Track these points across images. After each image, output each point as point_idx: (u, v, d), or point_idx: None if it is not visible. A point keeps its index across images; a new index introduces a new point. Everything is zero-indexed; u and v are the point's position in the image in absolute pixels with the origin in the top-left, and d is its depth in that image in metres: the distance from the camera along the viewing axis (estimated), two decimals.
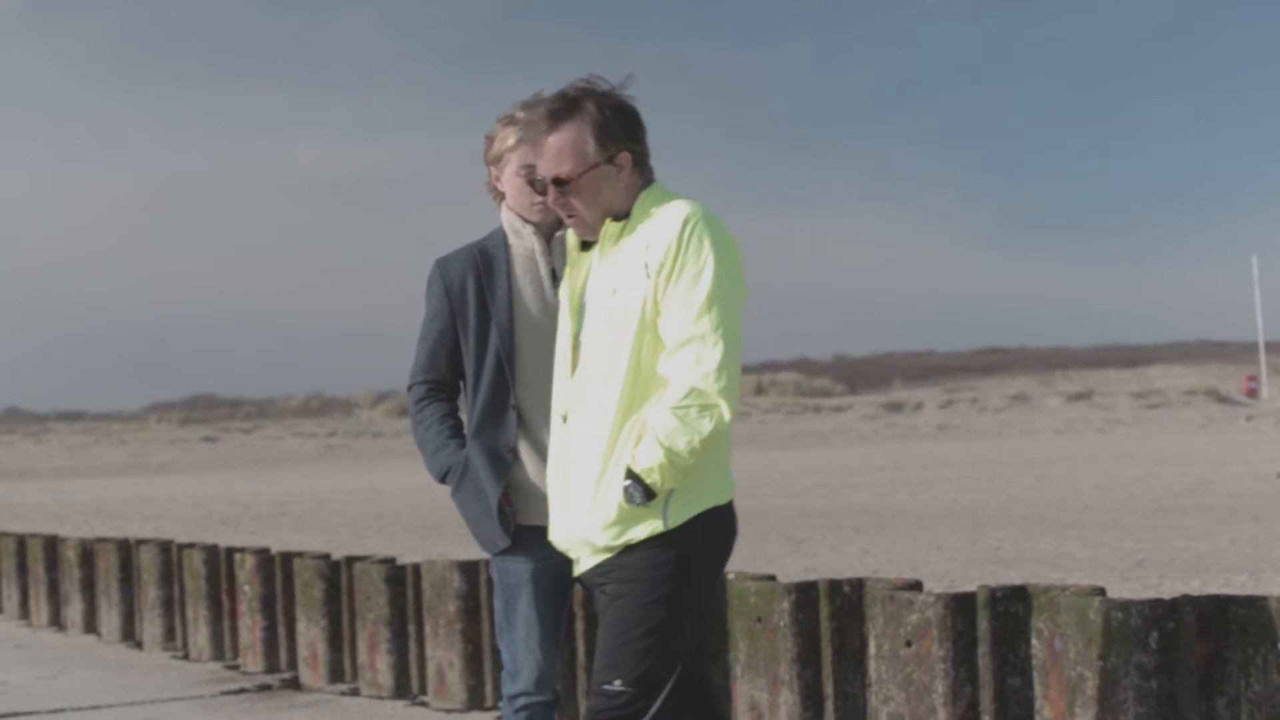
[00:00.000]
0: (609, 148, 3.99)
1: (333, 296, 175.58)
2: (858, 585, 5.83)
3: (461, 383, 4.67)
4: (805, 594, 5.88)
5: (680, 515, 3.85)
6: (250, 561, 9.09)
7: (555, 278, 4.48)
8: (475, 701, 7.52)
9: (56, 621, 11.43)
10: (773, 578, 6.20)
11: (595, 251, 4.09)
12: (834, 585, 5.85)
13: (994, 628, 5.31)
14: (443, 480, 4.61)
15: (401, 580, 8.01)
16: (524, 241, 4.54)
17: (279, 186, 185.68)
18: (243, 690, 8.50)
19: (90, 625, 11.00)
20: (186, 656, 9.73)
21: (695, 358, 3.80)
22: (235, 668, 9.20)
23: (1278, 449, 36.50)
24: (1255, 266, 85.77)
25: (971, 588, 5.58)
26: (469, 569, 7.56)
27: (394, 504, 27.05)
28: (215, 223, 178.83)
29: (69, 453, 75.59)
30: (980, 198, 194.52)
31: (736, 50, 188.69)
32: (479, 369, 4.53)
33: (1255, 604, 4.86)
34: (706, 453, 3.82)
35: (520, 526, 4.43)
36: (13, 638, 11.15)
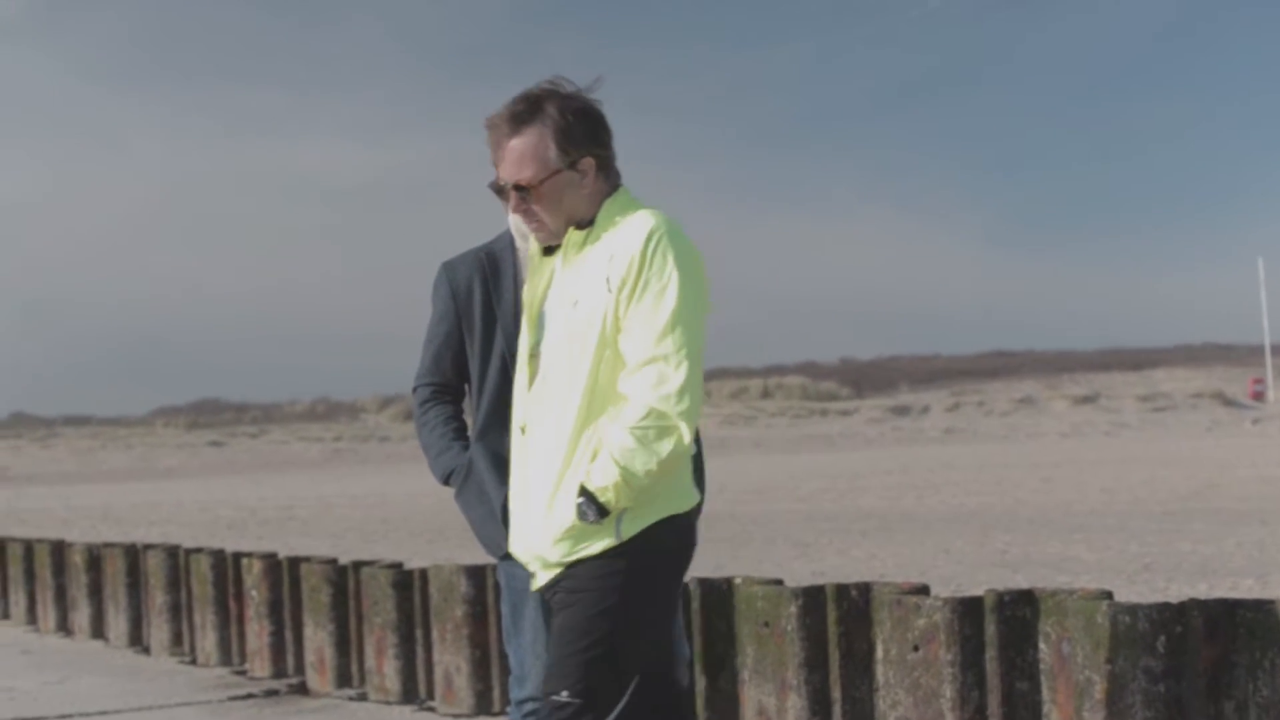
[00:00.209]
0: (571, 153, 3.86)
1: (338, 300, 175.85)
2: (865, 590, 5.82)
3: (466, 386, 4.67)
4: (812, 598, 5.88)
5: (634, 526, 3.76)
6: (257, 566, 9.09)
7: None
8: (483, 706, 7.51)
9: (64, 627, 11.44)
10: (780, 582, 6.20)
11: (558, 258, 3.97)
12: (841, 590, 5.85)
13: (1001, 632, 5.30)
14: (446, 483, 4.61)
15: (409, 585, 8.01)
16: (530, 245, 4.54)
17: (283, 188, 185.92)
18: (250, 695, 8.51)
19: (98, 630, 11.00)
20: (194, 662, 9.73)
21: (658, 378, 3.70)
22: (243, 673, 9.20)
23: None
24: (1261, 268, 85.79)
25: (979, 592, 5.58)
26: (476, 574, 7.56)
27: (401, 508, 27.06)
28: (219, 225, 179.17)
29: (75, 457, 75.71)
30: (984, 199, 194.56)
31: (738, 51, 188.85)
32: (484, 372, 4.53)
33: (1263, 607, 4.86)
34: (663, 475, 3.73)
35: None
36: (20, 643, 11.16)
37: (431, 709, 7.78)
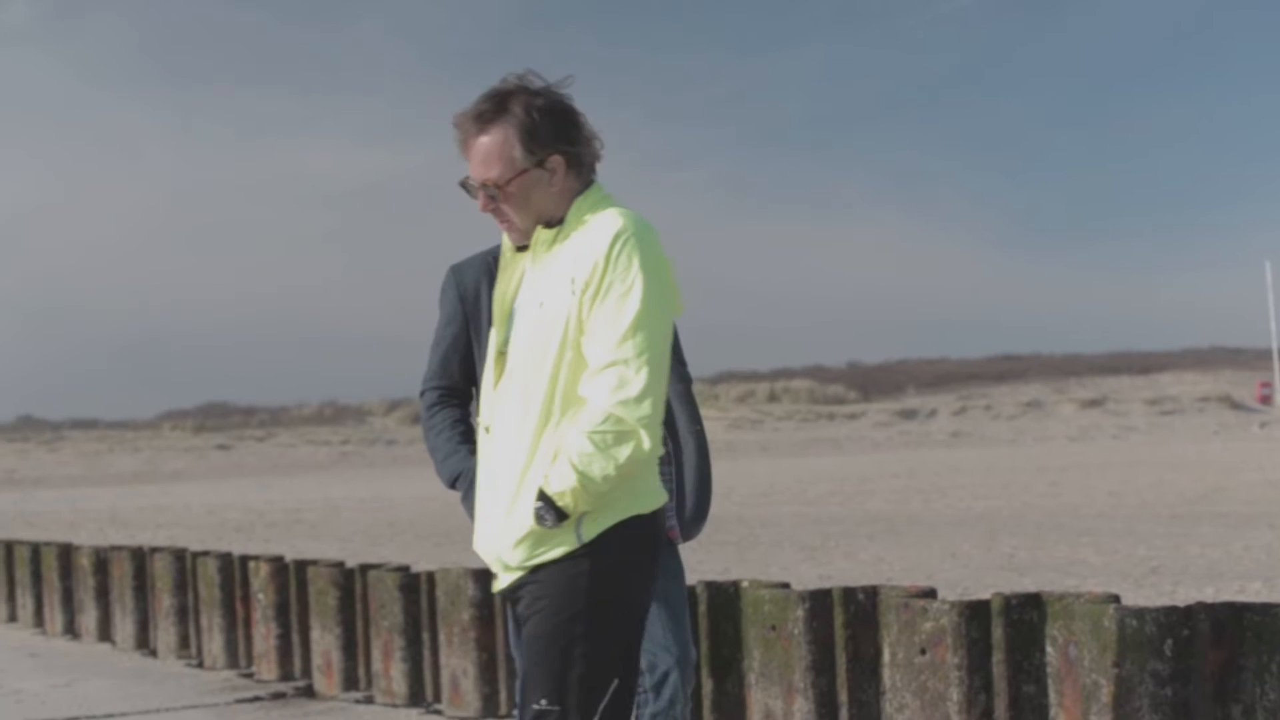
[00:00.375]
0: (537, 152, 3.78)
1: (346, 303, 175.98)
2: (872, 593, 5.82)
3: (474, 389, 4.67)
4: (819, 602, 5.88)
5: (595, 528, 3.70)
6: (264, 569, 9.10)
7: None
8: (489, 709, 7.52)
9: (71, 630, 11.45)
10: (787, 585, 6.20)
11: (528, 256, 3.91)
12: (848, 593, 5.85)
13: (1008, 635, 5.30)
14: (453, 486, 4.61)
15: (416, 588, 8.01)
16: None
17: (292, 193, 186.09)
18: (257, 698, 8.51)
19: (105, 633, 11.01)
20: (201, 664, 9.74)
21: (618, 382, 3.63)
22: (249, 676, 9.21)
23: None
24: (1268, 272, 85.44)
25: (986, 595, 5.58)
26: (483, 577, 7.56)
27: (408, 511, 27.07)
28: (228, 229, 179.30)
29: (83, 460, 75.76)
30: (991, 203, 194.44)
31: (748, 56, 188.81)
32: None
33: (1270, 611, 4.85)
34: (623, 479, 3.67)
35: None
36: (27, 646, 11.17)
37: (438, 712, 7.78)
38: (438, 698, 7.86)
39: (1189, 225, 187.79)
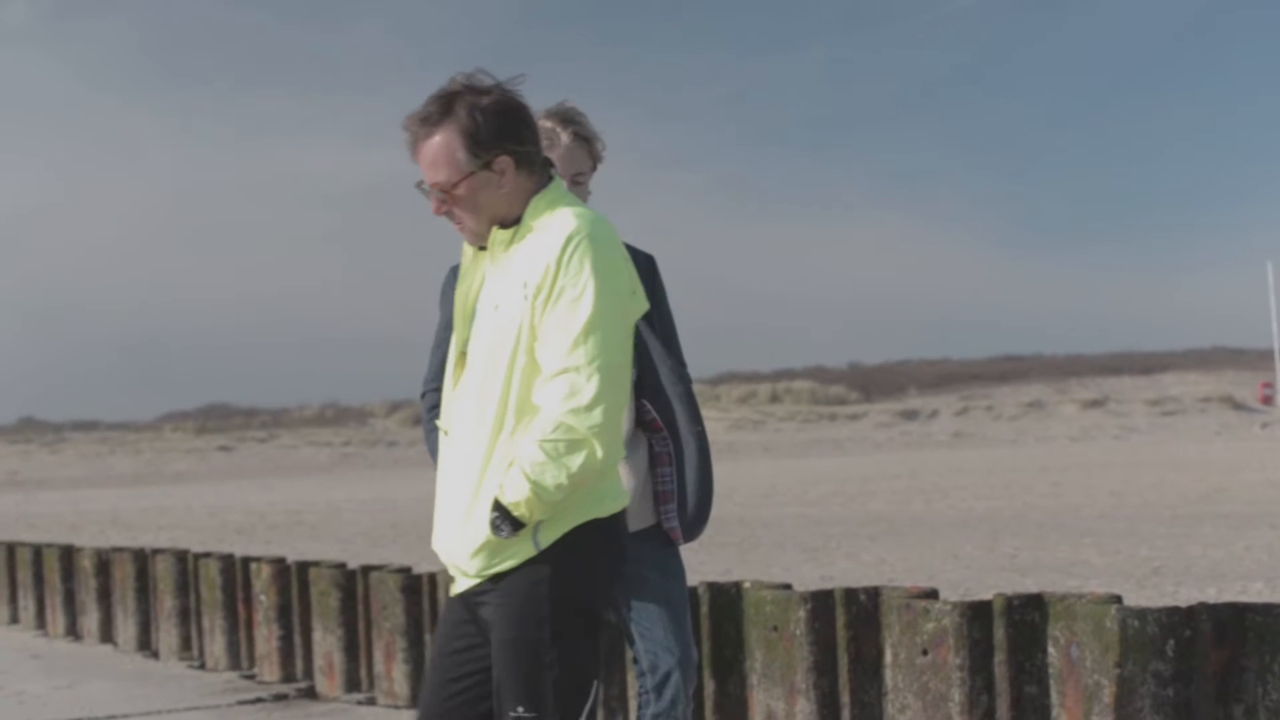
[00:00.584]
0: (482, 155, 3.69)
1: (347, 304, 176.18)
2: (874, 594, 5.82)
3: None
4: (821, 603, 5.87)
5: (552, 534, 3.65)
6: (266, 571, 9.10)
7: None
8: None
9: (73, 631, 11.45)
10: (789, 586, 6.20)
11: (488, 257, 3.84)
12: (850, 594, 5.85)
13: (1010, 636, 5.30)
14: None
15: (417, 589, 8.01)
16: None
17: (293, 194, 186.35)
18: (259, 700, 8.51)
19: (106, 635, 11.01)
20: (203, 666, 9.74)
21: (569, 390, 3.56)
22: (251, 677, 9.20)
23: None
24: (1270, 273, 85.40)
25: (988, 596, 5.58)
26: None
27: (409, 513, 27.07)
28: (229, 231, 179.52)
29: (84, 462, 75.83)
30: (993, 204, 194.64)
31: (748, 56, 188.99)
32: None
33: (1272, 611, 4.85)
34: (578, 488, 3.62)
35: None
36: (29, 647, 11.17)
37: None
38: None
39: (1190, 225, 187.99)
